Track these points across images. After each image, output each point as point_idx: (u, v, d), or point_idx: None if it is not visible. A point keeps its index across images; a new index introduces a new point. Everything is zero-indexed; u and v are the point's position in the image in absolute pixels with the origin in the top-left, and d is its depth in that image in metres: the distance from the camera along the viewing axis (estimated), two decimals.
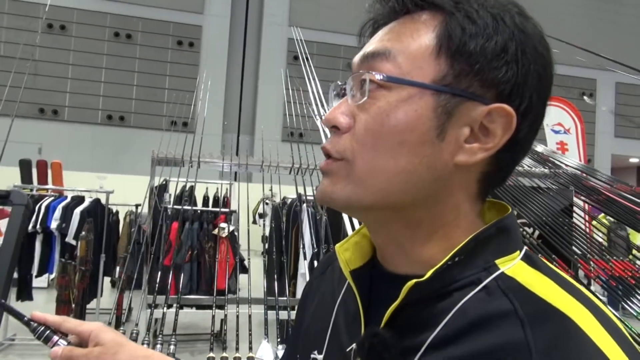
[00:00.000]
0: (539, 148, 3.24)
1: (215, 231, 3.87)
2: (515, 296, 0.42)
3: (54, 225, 4.46)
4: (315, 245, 3.20)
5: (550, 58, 0.48)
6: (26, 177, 5.34)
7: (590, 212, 2.61)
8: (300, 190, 3.05)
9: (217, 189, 5.55)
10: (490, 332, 0.41)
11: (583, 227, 2.34)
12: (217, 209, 4.32)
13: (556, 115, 6.18)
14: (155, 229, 2.90)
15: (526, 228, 2.30)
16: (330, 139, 0.49)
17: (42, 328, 0.64)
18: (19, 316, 0.66)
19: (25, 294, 4.56)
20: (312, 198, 3.52)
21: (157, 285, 2.40)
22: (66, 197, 4.80)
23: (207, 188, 5.55)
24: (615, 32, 11.55)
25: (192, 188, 3.98)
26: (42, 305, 5.55)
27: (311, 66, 3.71)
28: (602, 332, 0.40)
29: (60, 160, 5.66)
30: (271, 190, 3.47)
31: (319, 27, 10.40)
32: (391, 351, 0.44)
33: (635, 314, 1.69)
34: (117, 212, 5.54)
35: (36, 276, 4.60)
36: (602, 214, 2.43)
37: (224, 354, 1.52)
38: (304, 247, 3.05)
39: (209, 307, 4.02)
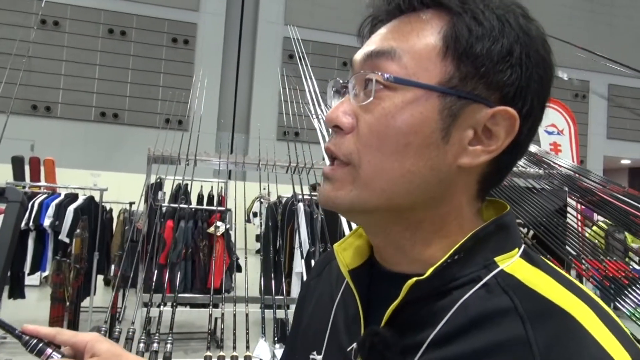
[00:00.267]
0: (533, 149, 3.26)
1: (210, 230, 3.87)
2: (515, 293, 0.42)
3: (47, 222, 4.43)
4: (311, 244, 3.21)
5: (551, 61, 0.48)
6: (19, 174, 5.30)
7: (583, 213, 2.63)
8: (297, 189, 3.05)
9: (212, 187, 5.53)
10: (491, 329, 0.41)
11: (577, 227, 2.36)
12: (212, 208, 4.31)
13: (550, 116, 6.23)
14: (151, 227, 2.89)
15: (521, 228, 2.32)
16: (333, 139, 0.48)
17: (35, 341, 0.62)
18: (9, 329, 0.63)
19: (17, 291, 4.52)
20: (308, 197, 3.52)
21: (153, 283, 2.39)
22: (59, 194, 4.76)
23: (201, 186, 5.53)
24: (609, 35, 11.64)
25: (187, 186, 3.97)
26: (34, 303, 5.52)
27: (307, 65, 3.70)
28: (602, 328, 0.40)
29: (53, 157, 5.62)
30: (266, 188, 3.47)
31: (315, 26, 10.39)
32: (392, 350, 0.44)
33: (628, 313, 1.71)
34: (111, 209, 5.51)
35: (29, 274, 4.56)
36: (602, 220, 2.46)
37: (221, 353, 1.52)
38: (300, 246, 3.05)
39: (203, 305, 4.03)
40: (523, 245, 0.48)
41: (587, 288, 0.45)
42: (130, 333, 1.58)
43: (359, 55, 0.49)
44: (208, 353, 1.56)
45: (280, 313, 2.11)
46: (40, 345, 0.62)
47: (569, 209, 2.48)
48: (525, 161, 2.92)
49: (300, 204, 3.44)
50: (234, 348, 1.68)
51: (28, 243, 4.48)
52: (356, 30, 0.52)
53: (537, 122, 0.48)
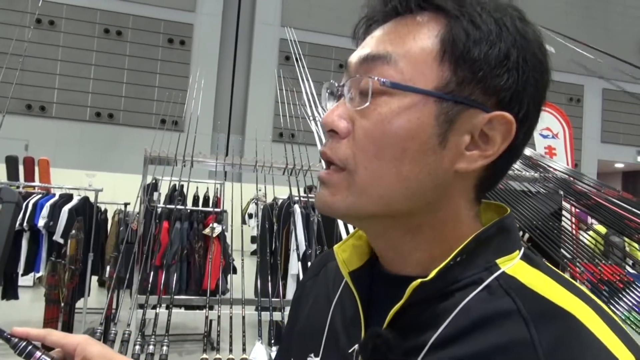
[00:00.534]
0: (528, 152, 3.28)
1: (206, 231, 3.85)
2: (517, 295, 0.42)
3: (41, 223, 4.39)
4: (307, 246, 3.20)
5: (547, 64, 0.47)
6: (12, 174, 5.26)
7: (578, 216, 2.65)
8: (293, 191, 3.05)
9: (208, 188, 5.52)
10: (494, 331, 0.41)
11: (572, 230, 2.37)
12: (208, 209, 4.30)
13: (545, 120, 6.26)
14: (147, 229, 2.87)
15: None
16: (329, 143, 0.48)
17: (24, 343, 0.61)
18: None
19: (10, 292, 4.49)
20: (304, 199, 3.52)
21: (149, 285, 2.38)
22: (54, 194, 4.73)
23: (197, 187, 5.52)
24: (605, 37, 11.73)
25: (182, 187, 3.96)
26: (27, 304, 5.47)
27: (303, 66, 3.71)
28: (605, 329, 0.40)
29: (47, 157, 5.59)
30: (261, 190, 3.47)
31: (311, 27, 10.41)
32: (394, 352, 0.44)
33: (622, 317, 1.73)
34: (106, 210, 5.47)
35: (22, 275, 4.52)
36: (596, 224, 2.47)
37: (218, 355, 1.52)
38: (297, 249, 3.05)
39: (198, 307, 4.01)
40: (523, 248, 0.48)
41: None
42: (126, 335, 1.57)
43: (354, 58, 0.48)
44: (204, 355, 1.56)
45: (277, 315, 2.10)
46: (30, 348, 0.61)
47: (564, 212, 2.49)
48: (520, 164, 2.94)
49: (297, 206, 3.44)
50: (231, 350, 1.68)
51: (22, 243, 4.44)
52: (353, 34, 0.52)
53: (533, 125, 0.48)
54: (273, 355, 1.72)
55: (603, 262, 2.09)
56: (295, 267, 3.38)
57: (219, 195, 5.08)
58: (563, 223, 2.41)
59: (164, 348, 1.57)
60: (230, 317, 1.89)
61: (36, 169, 5.39)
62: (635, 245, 2.06)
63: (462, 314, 0.43)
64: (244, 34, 10.91)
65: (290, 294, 3.48)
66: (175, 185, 3.97)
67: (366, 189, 0.46)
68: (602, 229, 2.58)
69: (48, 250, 4.40)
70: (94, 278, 5.11)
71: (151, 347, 1.53)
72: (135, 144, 5.37)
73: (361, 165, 0.45)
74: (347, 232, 2.03)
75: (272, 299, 2.18)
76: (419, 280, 0.44)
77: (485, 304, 0.43)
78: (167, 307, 2.15)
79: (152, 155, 2.91)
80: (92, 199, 4.66)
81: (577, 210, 2.50)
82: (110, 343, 1.55)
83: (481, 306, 0.43)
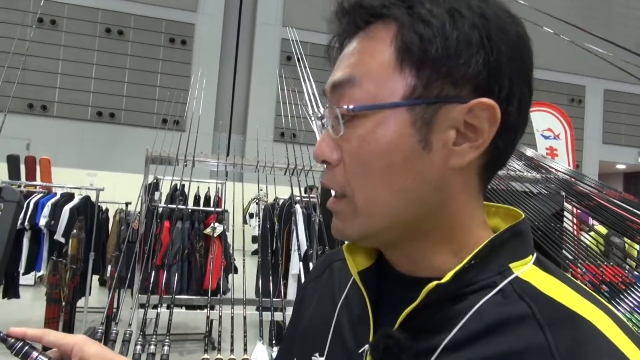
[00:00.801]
0: (530, 153, 3.27)
1: (207, 231, 3.85)
2: (531, 300, 0.42)
3: (42, 222, 4.40)
4: (309, 246, 3.20)
5: (521, 32, 0.46)
6: (14, 173, 5.27)
7: (579, 217, 2.64)
8: (294, 190, 3.05)
9: (209, 188, 5.52)
10: (509, 336, 0.41)
11: (574, 232, 2.37)
12: (209, 209, 4.30)
13: (546, 121, 6.25)
14: (149, 228, 2.88)
15: None
16: (326, 173, 0.49)
17: (20, 344, 0.60)
18: None
19: (12, 291, 4.50)
20: (305, 199, 3.52)
21: (150, 284, 2.38)
22: (55, 193, 4.74)
23: (198, 187, 5.52)
24: (606, 37, 11.71)
25: (184, 187, 3.96)
26: (28, 303, 5.48)
27: (305, 66, 3.70)
28: (620, 334, 0.40)
29: (49, 156, 5.60)
30: (263, 190, 3.46)
31: (313, 28, 10.40)
32: (406, 353, 0.44)
33: (625, 318, 1.72)
34: (107, 210, 5.48)
35: (23, 274, 4.53)
36: (597, 225, 2.47)
37: (219, 355, 1.51)
38: (299, 249, 3.05)
39: (199, 307, 4.01)
40: (536, 253, 0.48)
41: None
42: (127, 335, 1.57)
43: (328, 86, 0.49)
44: (205, 355, 1.55)
45: (278, 315, 2.10)
46: (26, 348, 0.60)
47: (565, 213, 2.49)
48: (522, 165, 2.94)
49: (298, 206, 3.44)
50: (232, 350, 1.68)
51: (23, 242, 4.45)
52: (326, 53, 0.52)
53: (526, 98, 0.47)
54: (274, 355, 1.72)
55: (605, 263, 2.09)
56: (296, 267, 3.38)
57: (220, 195, 5.08)
58: (565, 224, 2.41)
59: (165, 348, 1.57)
60: (232, 317, 1.89)
61: (37, 168, 5.40)
62: (635, 246, 2.06)
63: (476, 317, 0.43)
64: (246, 33, 10.91)
65: (291, 294, 3.48)
66: (176, 184, 3.96)
67: (368, 211, 0.46)
68: (603, 230, 2.58)
69: (49, 249, 4.41)
70: (95, 277, 5.12)
71: (152, 347, 1.53)
72: (136, 144, 5.38)
73: (356, 189, 0.46)
74: None
75: (274, 299, 2.17)
76: (435, 283, 0.43)
77: (499, 307, 0.43)
78: (168, 307, 2.15)
79: (154, 155, 2.91)
80: (93, 199, 4.67)
81: (579, 211, 2.50)
82: (111, 343, 1.55)
83: (495, 310, 0.43)
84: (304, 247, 3.17)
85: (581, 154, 11.92)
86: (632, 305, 1.78)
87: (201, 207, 4.53)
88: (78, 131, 9.53)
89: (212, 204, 5.13)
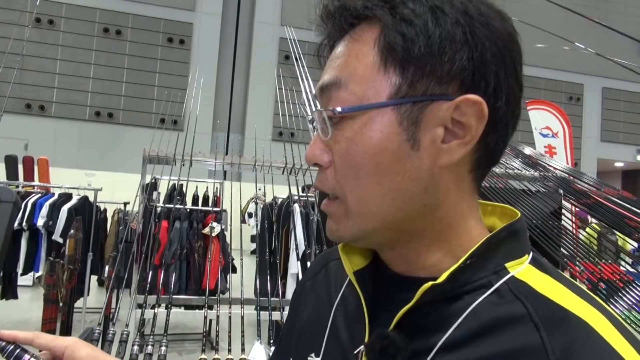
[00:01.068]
0: (528, 151, 3.27)
1: (205, 230, 3.85)
2: (527, 299, 0.42)
3: (40, 222, 4.39)
4: (307, 246, 3.20)
5: (507, 27, 0.46)
6: (12, 174, 5.26)
7: (577, 215, 2.64)
8: (293, 190, 3.04)
9: (207, 187, 5.51)
10: (505, 336, 0.41)
11: (571, 230, 2.37)
12: (207, 208, 4.30)
13: (544, 119, 6.25)
14: (147, 228, 2.87)
15: None
16: (318, 176, 0.49)
17: (12, 347, 0.60)
18: None
19: (10, 292, 4.49)
20: (303, 198, 3.52)
21: (147, 284, 2.37)
22: (53, 194, 4.73)
23: (196, 187, 5.51)
24: (605, 36, 11.72)
25: (182, 186, 3.96)
26: (27, 303, 5.47)
27: (303, 66, 3.70)
28: (617, 335, 0.40)
29: (47, 156, 5.58)
30: (261, 189, 3.46)
31: (311, 27, 10.39)
32: (402, 354, 0.44)
33: (623, 316, 1.72)
34: (105, 210, 5.47)
35: (21, 274, 4.53)
36: (595, 222, 2.47)
37: (217, 355, 1.51)
38: (297, 248, 3.05)
39: (197, 307, 4.01)
40: (532, 252, 0.47)
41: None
42: (125, 335, 1.57)
43: (317, 89, 0.50)
44: (203, 355, 1.55)
45: (276, 315, 2.10)
46: (18, 351, 0.60)
47: (563, 211, 2.49)
48: (520, 163, 2.93)
49: (296, 205, 3.44)
50: (229, 350, 1.67)
51: (21, 243, 4.44)
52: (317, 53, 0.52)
53: (514, 92, 0.46)
54: None
55: (603, 261, 2.09)
56: (294, 266, 3.37)
57: (218, 195, 5.08)
58: (563, 222, 2.40)
59: (163, 348, 1.56)
60: (229, 317, 1.89)
61: (35, 168, 5.39)
62: (630, 241, 2.05)
63: (471, 317, 0.43)
64: (244, 33, 10.90)
65: (290, 293, 3.47)
66: (174, 184, 3.96)
67: (359, 211, 0.46)
68: (596, 227, 2.58)
69: (47, 249, 4.41)
70: (94, 278, 5.11)
71: (149, 347, 1.53)
72: (134, 144, 5.36)
73: (347, 190, 0.46)
74: None
75: (272, 299, 2.17)
76: (430, 283, 0.43)
77: (495, 307, 0.42)
78: (167, 307, 2.15)
79: (151, 154, 2.91)
80: (91, 199, 4.66)
81: (577, 209, 2.50)
82: (108, 343, 1.54)
83: (491, 310, 0.42)
84: (301, 246, 3.17)
85: (579, 152, 11.93)
86: (630, 303, 1.78)
87: (200, 207, 4.52)
88: (76, 131, 9.51)
89: (210, 204, 5.12)
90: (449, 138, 0.45)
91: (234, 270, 4.20)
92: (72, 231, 3.89)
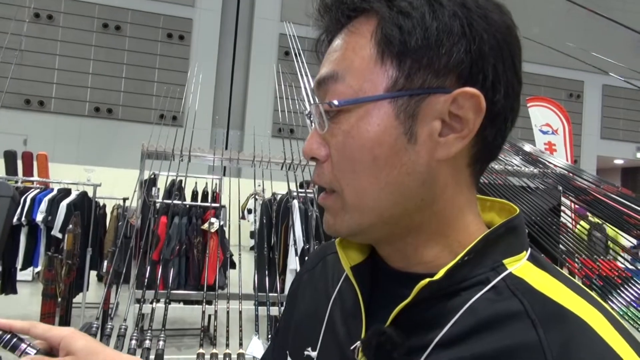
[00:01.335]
0: (528, 148, 3.27)
1: (204, 226, 3.85)
2: (524, 296, 0.42)
3: (39, 217, 4.40)
4: (306, 241, 3.20)
5: (506, 20, 0.45)
6: (11, 169, 5.26)
7: (576, 212, 2.64)
8: (292, 186, 3.04)
9: (207, 183, 5.51)
10: (501, 333, 0.40)
11: (571, 226, 2.37)
12: (206, 204, 4.30)
13: (544, 116, 6.25)
14: (145, 223, 2.87)
15: None
16: (315, 170, 0.49)
17: (8, 336, 0.60)
18: None
19: (9, 287, 4.50)
20: (302, 194, 3.51)
21: (145, 279, 2.38)
22: (52, 189, 4.73)
23: (196, 182, 5.51)
24: (606, 35, 11.70)
25: (181, 182, 3.95)
26: (26, 298, 5.48)
27: (303, 62, 3.69)
28: (614, 332, 0.40)
29: (46, 152, 5.58)
30: (260, 185, 3.46)
31: (311, 23, 10.37)
32: (399, 350, 0.44)
33: (621, 312, 1.72)
34: (105, 205, 5.47)
35: (21, 269, 4.53)
36: (589, 215, 2.48)
37: (214, 350, 1.51)
38: (295, 244, 3.05)
39: (196, 302, 4.02)
40: (530, 249, 0.47)
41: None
42: (123, 330, 1.57)
43: (314, 83, 0.49)
44: (201, 350, 1.55)
45: (274, 310, 2.10)
46: (14, 340, 0.60)
47: (562, 207, 2.49)
48: (520, 160, 2.93)
49: (295, 201, 3.43)
50: (227, 345, 1.68)
51: (20, 238, 4.45)
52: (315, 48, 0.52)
53: (513, 86, 0.46)
54: None
55: (602, 257, 2.09)
56: (293, 262, 3.37)
57: (217, 191, 5.08)
58: (562, 219, 2.41)
59: (161, 343, 1.56)
60: (227, 312, 1.89)
61: (35, 163, 5.38)
62: (623, 234, 2.05)
63: (468, 313, 0.42)
64: (243, 29, 10.87)
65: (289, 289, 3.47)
66: (174, 180, 3.96)
67: (356, 205, 0.46)
68: (584, 225, 2.59)
69: (46, 245, 4.41)
70: (93, 273, 5.12)
71: (147, 341, 1.53)
72: (134, 139, 5.36)
73: (344, 184, 0.46)
74: None
75: (270, 294, 2.17)
76: (427, 280, 0.43)
77: (492, 304, 0.42)
78: (165, 302, 2.15)
79: (149, 150, 2.90)
80: (90, 194, 4.66)
81: (576, 206, 2.50)
82: (106, 338, 1.55)
83: (488, 306, 0.42)
84: (300, 242, 3.17)
85: (579, 149, 11.93)
86: (628, 300, 1.78)
87: (199, 203, 4.52)
88: (75, 127, 9.50)
89: (209, 200, 5.13)
90: (446, 132, 0.44)
91: (233, 266, 4.20)
92: (70, 226, 3.89)
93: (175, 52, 10.11)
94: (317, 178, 0.49)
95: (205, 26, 10.33)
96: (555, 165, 2.86)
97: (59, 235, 4.27)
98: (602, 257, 2.09)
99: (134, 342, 1.55)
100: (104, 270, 5.01)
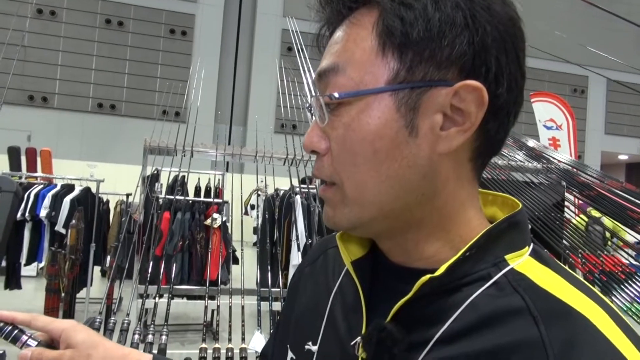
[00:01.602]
0: (532, 143, 3.26)
1: (207, 222, 3.85)
2: (526, 293, 0.41)
3: (43, 213, 4.42)
4: (308, 237, 3.20)
5: (510, 11, 0.44)
6: (15, 165, 5.28)
7: (580, 207, 2.63)
8: (294, 181, 3.04)
9: (209, 179, 5.52)
10: (503, 329, 0.40)
11: (574, 222, 2.36)
12: (209, 200, 4.30)
13: (548, 111, 6.22)
14: (148, 219, 2.87)
15: None
16: (316, 163, 0.49)
17: (10, 328, 0.60)
18: None
19: (13, 282, 4.53)
20: (305, 189, 3.51)
21: (148, 275, 2.38)
22: (56, 185, 4.75)
23: (199, 178, 5.52)
24: (608, 32, 11.62)
25: (184, 178, 3.96)
26: (30, 293, 5.51)
27: (306, 57, 3.67)
28: (616, 329, 0.39)
29: (49, 148, 5.60)
30: (263, 181, 3.46)
31: (314, 18, 10.33)
32: (399, 346, 0.44)
33: (624, 308, 1.72)
34: (108, 201, 5.49)
35: (25, 265, 4.56)
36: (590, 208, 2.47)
37: (217, 345, 1.52)
38: (298, 239, 3.05)
39: (199, 297, 4.03)
40: (532, 244, 0.47)
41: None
42: (125, 324, 1.57)
43: (315, 75, 0.49)
44: (204, 345, 1.56)
45: (277, 305, 2.10)
46: (16, 332, 0.60)
47: (566, 203, 2.48)
48: (523, 156, 2.92)
49: (298, 197, 3.43)
50: (230, 340, 1.68)
51: (24, 234, 4.47)
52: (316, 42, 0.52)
53: (516, 78, 0.45)
54: None
55: (605, 252, 2.08)
56: (296, 258, 3.38)
57: (220, 186, 5.08)
58: (565, 214, 2.40)
59: (163, 337, 1.57)
60: (230, 307, 1.90)
61: (38, 159, 5.41)
62: (623, 227, 2.05)
63: (470, 309, 0.42)
64: (246, 24, 10.84)
65: None
66: (177, 175, 3.97)
67: (357, 198, 0.46)
68: (584, 218, 2.58)
69: (50, 240, 4.43)
70: (97, 268, 5.14)
71: (150, 336, 1.53)
72: (137, 135, 5.37)
73: (344, 176, 0.46)
74: None
75: (273, 289, 2.18)
76: (428, 276, 0.42)
77: (493, 300, 0.42)
78: (168, 297, 2.15)
79: (152, 145, 2.90)
80: (93, 190, 4.68)
81: (580, 201, 2.49)
82: (109, 332, 1.55)
83: (489, 302, 0.42)
84: (302, 238, 3.17)
85: (583, 144, 11.87)
86: (632, 295, 1.77)
87: (201, 198, 4.52)
88: (79, 123, 9.52)
89: (212, 195, 5.13)
90: (448, 125, 0.44)
91: (236, 261, 4.21)
92: (73, 221, 3.91)
93: (177, 48, 10.10)
94: (317, 171, 0.48)
95: (208, 22, 10.31)
96: (559, 161, 2.85)
97: (63, 231, 4.29)
98: (601, 251, 2.09)
99: (136, 336, 1.55)
100: (107, 265, 5.03)
